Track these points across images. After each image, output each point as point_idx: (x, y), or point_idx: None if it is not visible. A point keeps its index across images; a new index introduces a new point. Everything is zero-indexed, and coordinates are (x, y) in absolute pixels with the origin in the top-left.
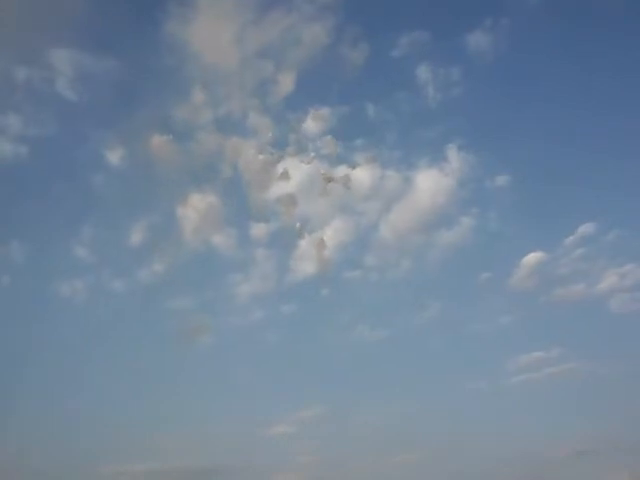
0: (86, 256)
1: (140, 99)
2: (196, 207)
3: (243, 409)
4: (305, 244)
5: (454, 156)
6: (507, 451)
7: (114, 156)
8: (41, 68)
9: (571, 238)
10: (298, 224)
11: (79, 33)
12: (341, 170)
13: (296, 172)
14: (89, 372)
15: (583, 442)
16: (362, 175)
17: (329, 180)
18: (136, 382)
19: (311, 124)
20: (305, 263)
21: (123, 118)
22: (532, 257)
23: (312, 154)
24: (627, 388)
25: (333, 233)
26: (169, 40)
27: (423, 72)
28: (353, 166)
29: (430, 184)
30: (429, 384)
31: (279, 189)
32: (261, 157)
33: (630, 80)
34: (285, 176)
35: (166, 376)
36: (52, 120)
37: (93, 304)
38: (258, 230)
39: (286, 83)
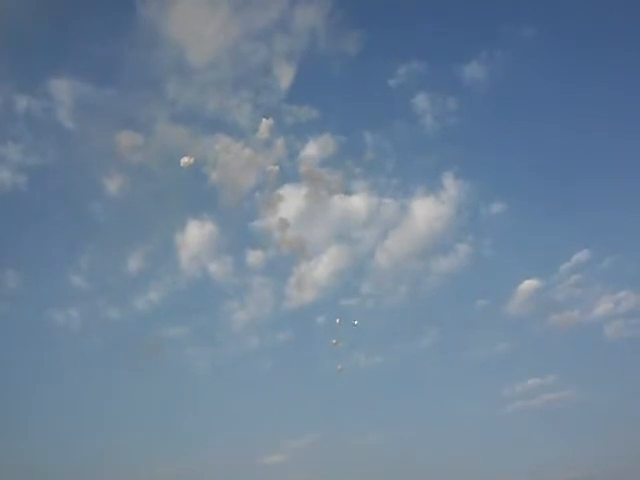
0: (82, 284)
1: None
2: (192, 234)
3: (237, 438)
4: (302, 272)
5: (450, 184)
6: (503, 477)
7: (111, 184)
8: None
9: (566, 265)
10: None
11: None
12: (338, 198)
13: (292, 199)
14: (83, 400)
15: (580, 468)
16: (359, 203)
17: (317, 179)
18: (130, 411)
19: (308, 152)
20: (302, 290)
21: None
22: (528, 284)
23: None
24: (622, 414)
25: (330, 260)
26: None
27: (420, 101)
28: (350, 194)
29: (426, 212)
30: (425, 411)
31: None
32: (248, 152)
33: (624, 108)
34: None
35: (160, 404)
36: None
37: (88, 332)
38: (254, 257)
39: (282, 75)
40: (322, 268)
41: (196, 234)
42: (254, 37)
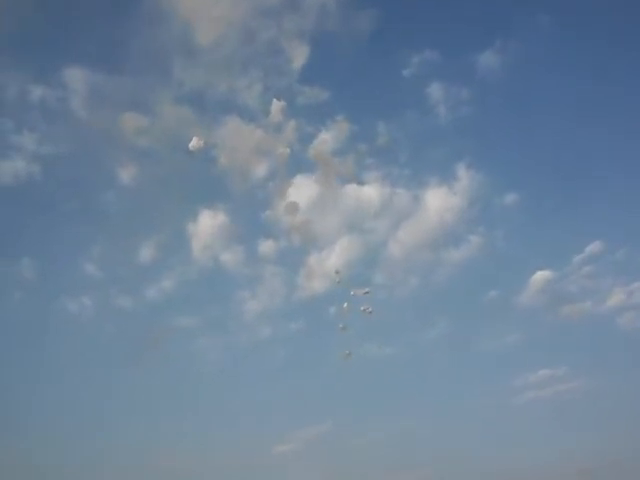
0: (95, 273)
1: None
2: (205, 224)
3: (249, 427)
4: (314, 261)
5: (463, 174)
6: (511, 469)
7: (123, 172)
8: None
9: (579, 256)
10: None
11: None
12: (350, 187)
13: (304, 189)
14: (96, 388)
15: (589, 460)
16: (371, 193)
17: (329, 166)
18: (142, 400)
19: (321, 139)
20: (313, 280)
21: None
22: (540, 275)
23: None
24: (634, 406)
25: (341, 250)
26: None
27: (434, 91)
28: (362, 183)
29: (439, 202)
30: (435, 401)
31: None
32: (258, 134)
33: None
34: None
35: (172, 393)
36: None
37: (101, 321)
38: (266, 247)
39: (294, 55)
40: (334, 258)
41: (208, 224)
42: (263, 14)
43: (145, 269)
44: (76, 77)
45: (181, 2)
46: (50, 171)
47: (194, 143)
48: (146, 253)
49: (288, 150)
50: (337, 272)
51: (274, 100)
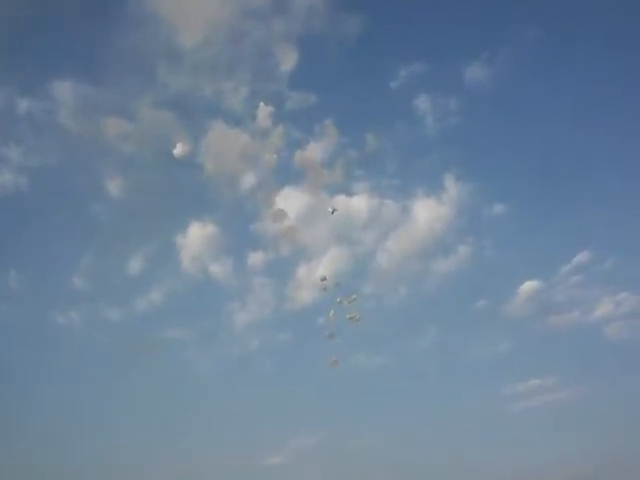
0: (84, 285)
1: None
2: (194, 235)
3: (238, 439)
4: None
5: (451, 185)
6: (507, 471)
7: (111, 183)
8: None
9: (567, 266)
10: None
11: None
12: (339, 199)
13: (293, 201)
14: (85, 401)
15: (580, 468)
16: (360, 204)
17: (317, 175)
18: (131, 412)
19: (309, 149)
20: (302, 291)
21: None
22: (528, 285)
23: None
24: (623, 415)
25: (330, 261)
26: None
27: (421, 103)
28: (351, 195)
29: (427, 213)
30: (426, 411)
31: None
32: (244, 139)
33: (626, 109)
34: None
35: (161, 405)
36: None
37: (90, 333)
38: (255, 259)
39: (284, 59)
40: (323, 269)
41: (197, 235)
42: (251, 16)
43: (134, 281)
44: (61, 86)
45: (165, 4)
46: (37, 183)
47: (179, 149)
48: (135, 265)
49: (275, 157)
50: (323, 279)
51: (261, 104)
